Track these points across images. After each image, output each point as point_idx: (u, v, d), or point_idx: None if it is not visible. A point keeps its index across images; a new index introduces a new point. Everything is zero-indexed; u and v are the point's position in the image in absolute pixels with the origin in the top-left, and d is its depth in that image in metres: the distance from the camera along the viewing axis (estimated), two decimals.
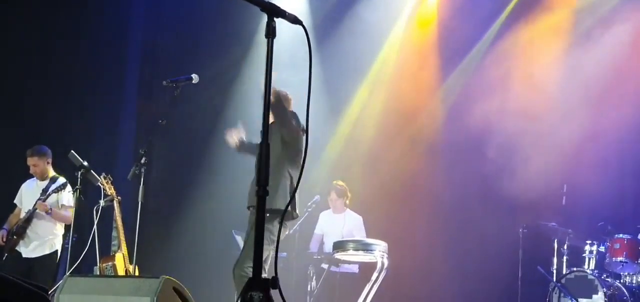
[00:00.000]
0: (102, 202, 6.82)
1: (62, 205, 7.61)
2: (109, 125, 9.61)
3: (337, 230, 8.41)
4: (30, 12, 8.97)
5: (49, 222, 7.63)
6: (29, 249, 7.64)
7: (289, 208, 5.75)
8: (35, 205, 7.56)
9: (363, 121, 9.67)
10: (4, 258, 7.66)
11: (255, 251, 2.83)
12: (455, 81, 9.87)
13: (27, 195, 7.81)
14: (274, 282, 2.77)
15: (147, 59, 9.99)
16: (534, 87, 9.29)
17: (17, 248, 7.64)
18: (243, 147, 6.27)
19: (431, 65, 10.09)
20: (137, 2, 10.01)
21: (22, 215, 7.71)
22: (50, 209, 7.53)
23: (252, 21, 9.10)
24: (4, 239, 7.64)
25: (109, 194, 6.82)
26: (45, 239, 7.65)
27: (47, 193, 7.54)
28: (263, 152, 2.89)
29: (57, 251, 7.64)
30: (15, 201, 7.92)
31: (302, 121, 5.90)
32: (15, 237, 7.62)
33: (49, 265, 7.57)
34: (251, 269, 5.43)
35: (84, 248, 6.75)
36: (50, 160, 7.77)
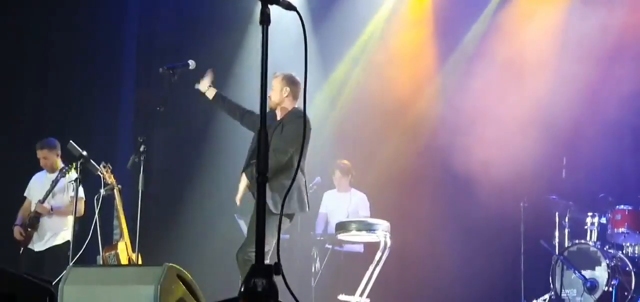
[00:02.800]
0: (102, 192, 6.82)
1: (80, 197, 7.57)
2: (107, 114, 9.58)
3: (342, 209, 8.42)
4: (26, 5, 8.93)
5: (59, 215, 7.66)
6: (42, 243, 7.67)
7: (299, 206, 5.83)
8: (36, 207, 7.58)
9: (363, 101, 9.65)
10: (20, 252, 7.69)
11: (257, 238, 2.83)
12: (454, 59, 9.84)
13: (36, 188, 7.81)
14: (277, 269, 2.77)
15: (144, 46, 9.94)
16: (533, 60, 9.27)
17: (30, 246, 7.67)
18: (219, 99, 6.27)
19: (430, 45, 10.07)
20: None
21: (32, 207, 7.73)
22: (51, 208, 7.56)
23: (250, 5, 9.07)
24: (23, 234, 7.68)
25: (109, 183, 6.81)
26: (57, 231, 7.67)
27: (50, 190, 7.53)
28: (262, 139, 2.88)
29: (68, 241, 7.57)
30: (25, 194, 7.94)
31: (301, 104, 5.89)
32: (29, 229, 7.66)
33: (60, 255, 7.55)
34: (254, 254, 5.53)
35: (86, 238, 6.77)
36: (59, 152, 7.77)
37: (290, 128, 5.78)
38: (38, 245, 7.67)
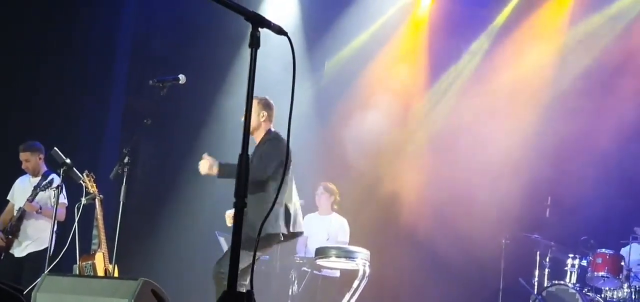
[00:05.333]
0: (83, 200, 6.75)
1: (62, 203, 7.46)
2: (94, 123, 9.51)
3: (322, 232, 8.39)
4: (19, 6, 8.86)
5: (39, 221, 7.49)
6: (21, 248, 7.54)
7: (285, 229, 5.87)
8: (24, 205, 7.45)
9: (348, 127, 9.65)
10: (1, 258, 7.58)
11: (231, 264, 2.80)
12: (443, 91, 9.85)
13: (19, 191, 7.68)
14: (249, 297, 2.73)
15: (136, 57, 9.91)
16: (523, 97, 9.31)
17: (10, 250, 7.56)
18: (224, 170, 6.00)
19: (421, 74, 10.09)
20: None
21: (15, 212, 7.63)
22: (40, 208, 7.42)
23: (243, 23, 9.02)
24: (3, 240, 7.55)
25: (91, 192, 6.75)
26: (36, 238, 7.52)
27: (36, 191, 7.42)
28: (242, 164, 2.86)
29: (47, 248, 7.47)
30: (8, 197, 7.83)
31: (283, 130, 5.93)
32: (10, 236, 7.54)
33: (39, 262, 7.41)
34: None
35: (64, 245, 6.69)
36: (42, 156, 7.63)
37: (265, 148, 5.87)
38: (17, 250, 7.56)
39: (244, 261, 5.44)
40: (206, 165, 5.96)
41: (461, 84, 9.69)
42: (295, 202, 6.11)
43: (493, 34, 9.82)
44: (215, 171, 5.93)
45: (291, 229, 6.02)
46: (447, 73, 9.94)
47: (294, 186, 6.13)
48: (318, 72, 10.09)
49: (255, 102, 5.93)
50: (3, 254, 7.57)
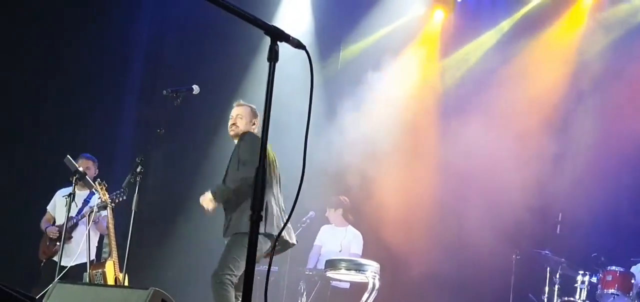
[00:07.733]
0: (95, 208, 6.79)
1: (104, 215, 7.48)
2: (107, 132, 9.53)
3: (336, 242, 8.39)
4: (32, 12, 8.90)
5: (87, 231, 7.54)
6: (70, 258, 7.47)
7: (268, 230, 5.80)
8: (82, 214, 7.43)
9: (361, 144, 9.63)
10: (42, 264, 7.58)
11: (246, 278, 2.79)
12: (455, 107, 9.83)
13: (62, 203, 7.70)
14: None
15: (149, 65, 9.94)
16: (532, 115, 9.29)
17: (54, 258, 7.55)
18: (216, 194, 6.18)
19: (433, 85, 10.09)
20: (143, 9, 9.98)
21: (60, 222, 7.63)
22: (98, 220, 7.44)
23: (258, 33, 9.04)
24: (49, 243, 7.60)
25: (103, 200, 6.77)
26: (85, 249, 7.54)
27: (93, 210, 7.40)
28: (259, 176, 2.85)
29: (93, 260, 7.41)
30: (48, 208, 7.87)
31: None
32: (58, 243, 7.54)
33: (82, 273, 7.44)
34: (228, 276, 5.59)
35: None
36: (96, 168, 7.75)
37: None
38: (65, 260, 7.44)
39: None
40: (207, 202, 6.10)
41: (472, 101, 9.67)
42: (273, 206, 5.98)
43: (503, 50, 9.80)
44: (211, 204, 6.12)
45: (264, 230, 5.80)
46: (458, 88, 9.93)
47: (277, 190, 6.08)
48: (329, 81, 10.10)
49: (248, 110, 6.16)
50: (44, 261, 7.58)
